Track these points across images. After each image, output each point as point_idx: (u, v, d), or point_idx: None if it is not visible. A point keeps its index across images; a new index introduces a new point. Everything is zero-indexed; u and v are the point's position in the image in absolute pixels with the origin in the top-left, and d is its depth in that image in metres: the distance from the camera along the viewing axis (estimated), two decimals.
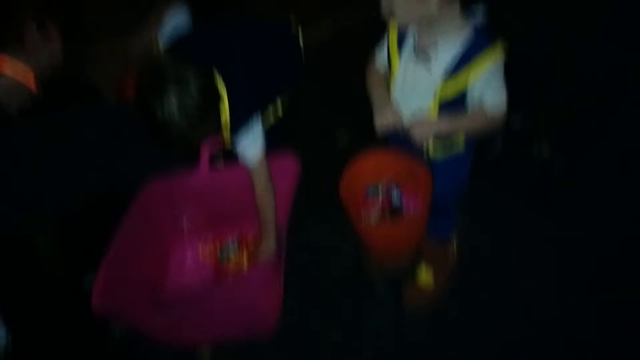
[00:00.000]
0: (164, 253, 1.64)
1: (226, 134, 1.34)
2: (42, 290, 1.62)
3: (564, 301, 1.59)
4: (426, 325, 1.57)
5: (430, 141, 1.25)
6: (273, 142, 1.44)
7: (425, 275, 1.60)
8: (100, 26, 2.59)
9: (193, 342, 1.49)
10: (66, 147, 1.41)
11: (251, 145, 1.38)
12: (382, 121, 1.24)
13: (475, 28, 1.14)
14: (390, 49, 1.26)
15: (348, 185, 1.35)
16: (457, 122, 1.21)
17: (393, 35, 1.25)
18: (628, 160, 1.88)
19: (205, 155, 1.51)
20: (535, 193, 1.90)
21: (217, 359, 1.53)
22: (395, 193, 1.45)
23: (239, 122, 1.32)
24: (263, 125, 1.39)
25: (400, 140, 1.29)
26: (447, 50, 1.15)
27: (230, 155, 1.58)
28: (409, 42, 1.22)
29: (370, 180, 1.44)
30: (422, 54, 1.19)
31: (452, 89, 1.17)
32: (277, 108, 1.49)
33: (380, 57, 1.32)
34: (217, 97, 1.28)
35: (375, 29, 1.31)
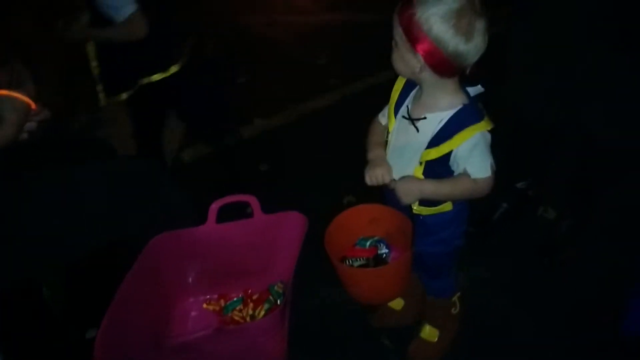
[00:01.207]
0: (168, 306, 1.64)
1: None
2: (45, 338, 1.62)
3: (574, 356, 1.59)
4: None
5: (414, 200, 1.29)
6: None
7: (428, 332, 1.59)
8: None
9: None
10: (75, 195, 1.44)
11: None
12: (371, 177, 1.29)
13: (465, 104, 1.21)
14: (389, 106, 1.33)
15: (338, 228, 1.40)
16: (441, 184, 1.25)
17: (395, 94, 1.32)
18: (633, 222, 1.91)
19: (213, 210, 1.54)
20: (539, 252, 1.93)
21: None
22: (383, 245, 1.48)
23: None
24: None
25: (393, 197, 1.33)
26: (435, 120, 1.22)
27: (237, 212, 1.62)
28: (405, 104, 1.30)
29: (363, 231, 1.48)
30: (413, 118, 1.26)
31: (434, 155, 1.22)
32: None
33: (382, 114, 1.40)
34: None
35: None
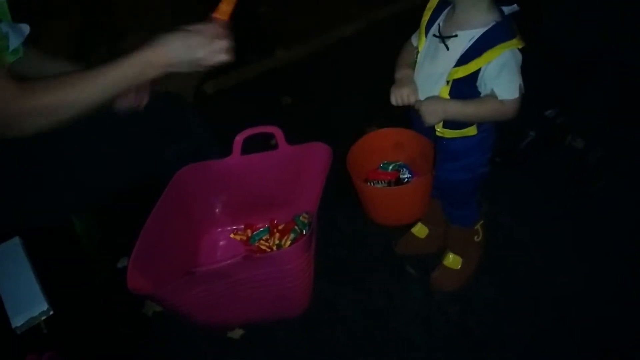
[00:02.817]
0: (196, 236, 1.68)
1: None
2: (80, 270, 1.69)
3: (592, 284, 1.60)
4: (456, 307, 1.59)
5: (438, 121, 1.27)
6: None
7: (452, 260, 1.61)
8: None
9: (225, 321, 1.52)
10: (103, 134, 1.45)
11: None
12: (396, 96, 1.28)
13: (497, 22, 1.17)
14: (420, 25, 1.31)
15: (362, 150, 1.44)
16: (466, 105, 1.24)
17: (426, 15, 1.29)
18: None
19: (238, 142, 1.54)
20: (568, 183, 1.91)
21: (247, 336, 1.57)
22: (406, 170, 1.51)
23: None
24: None
25: (418, 120, 1.31)
26: (467, 37, 1.19)
27: (262, 144, 1.62)
28: (437, 23, 1.27)
29: (388, 156, 1.51)
30: (444, 36, 1.23)
31: (462, 74, 1.20)
32: None
33: (414, 35, 1.37)
34: None
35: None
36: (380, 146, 1.48)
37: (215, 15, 1.18)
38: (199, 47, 1.13)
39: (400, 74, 1.34)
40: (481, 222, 1.61)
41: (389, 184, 1.48)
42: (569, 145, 2.07)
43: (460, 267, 1.61)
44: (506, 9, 1.21)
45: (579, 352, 1.46)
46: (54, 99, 1.06)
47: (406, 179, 1.50)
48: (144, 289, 1.26)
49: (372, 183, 1.48)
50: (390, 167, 1.53)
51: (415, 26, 1.36)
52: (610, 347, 1.45)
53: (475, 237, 1.61)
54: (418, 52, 1.31)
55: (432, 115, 1.24)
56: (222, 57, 1.17)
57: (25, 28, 1.25)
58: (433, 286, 1.63)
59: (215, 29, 1.16)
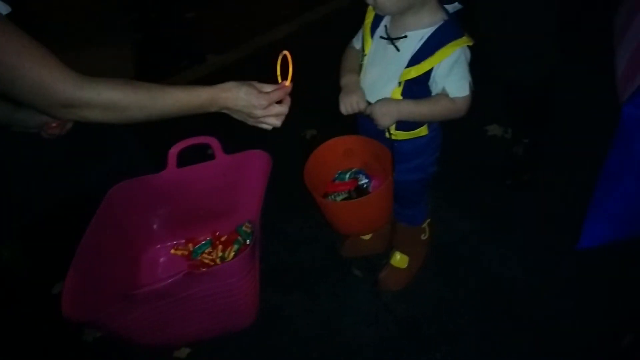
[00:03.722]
0: (135, 254, 1.61)
1: None
2: (11, 300, 1.59)
3: (535, 275, 1.65)
4: (402, 305, 1.60)
5: (392, 122, 1.26)
6: None
7: (399, 259, 1.62)
8: None
9: (170, 341, 1.47)
10: (29, 151, 1.38)
11: None
12: (345, 105, 1.27)
13: (445, 20, 1.19)
14: (364, 28, 1.29)
15: (315, 165, 1.37)
16: (419, 104, 1.24)
17: (369, 17, 1.28)
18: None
19: (173, 154, 1.49)
20: (502, 174, 1.96)
21: (194, 355, 1.52)
22: (362, 175, 1.48)
23: None
24: None
25: (367, 124, 1.30)
26: (416, 37, 1.19)
27: (199, 153, 1.58)
28: (382, 25, 1.26)
29: (340, 165, 1.47)
30: (393, 38, 1.22)
31: (415, 74, 1.20)
32: None
33: (356, 39, 1.35)
34: None
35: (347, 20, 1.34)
36: (331, 157, 1.45)
37: (285, 83, 1.22)
38: (259, 108, 1.19)
39: (346, 80, 1.32)
40: (428, 220, 1.63)
41: (349, 193, 1.45)
42: (495, 137, 2.14)
43: (407, 266, 1.62)
44: (450, 7, 1.22)
45: (527, 342, 1.49)
46: (121, 97, 1.08)
47: (365, 184, 1.48)
48: (79, 317, 1.19)
49: (332, 197, 1.44)
50: (347, 176, 1.49)
51: (346, 26, 1.35)
52: (557, 337, 1.49)
53: (422, 236, 1.63)
54: (364, 55, 1.30)
55: (385, 117, 1.23)
56: (273, 122, 1.23)
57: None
58: (380, 286, 1.63)
59: (280, 95, 1.21)
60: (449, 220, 1.82)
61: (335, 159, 1.45)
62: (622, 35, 2.10)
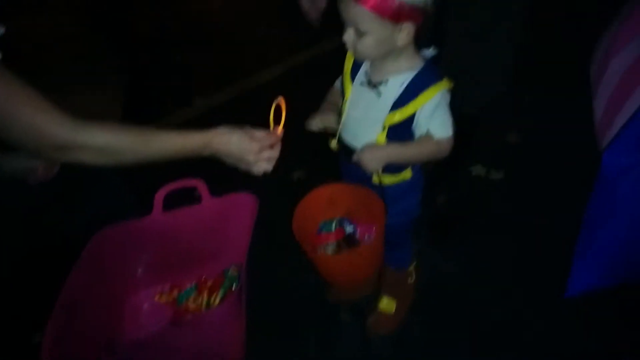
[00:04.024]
0: (118, 302, 1.57)
1: None
2: None
3: (521, 315, 1.64)
4: (390, 350, 1.58)
5: (380, 167, 1.27)
6: None
7: (386, 303, 1.60)
8: None
9: None
10: (12, 198, 1.36)
11: None
12: (310, 124, 1.30)
13: (424, 65, 1.21)
14: (344, 74, 1.31)
15: (301, 218, 1.35)
16: (406, 147, 1.25)
17: (349, 62, 1.30)
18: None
19: (159, 198, 1.48)
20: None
21: None
22: (346, 223, 1.47)
23: None
24: None
25: (351, 169, 1.31)
26: (397, 82, 1.21)
27: (185, 196, 1.56)
28: (362, 70, 1.28)
29: (323, 214, 1.46)
30: (374, 83, 1.24)
31: (399, 118, 1.22)
32: None
33: (339, 81, 1.37)
34: None
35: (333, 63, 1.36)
36: (315, 207, 1.43)
37: (277, 130, 1.25)
38: (251, 153, 1.22)
39: (321, 107, 1.35)
40: (414, 263, 1.62)
41: (339, 244, 1.43)
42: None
43: (395, 310, 1.60)
44: (426, 53, 1.25)
45: None
46: (114, 140, 1.09)
47: (352, 232, 1.46)
48: None
49: (322, 249, 1.42)
50: (333, 226, 1.47)
51: (332, 69, 1.37)
52: None
53: (409, 279, 1.62)
54: (345, 100, 1.31)
55: (373, 162, 1.24)
56: (264, 166, 1.25)
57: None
58: (368, 331, 1.61)
59: (272, 140, 1.24)
60: (435, 263, 1.81)
61: (319, 209, 1.44)
62: (598, 82, 2.15)
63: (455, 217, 2.00)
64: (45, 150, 1.03)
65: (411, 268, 1.63)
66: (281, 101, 1.23)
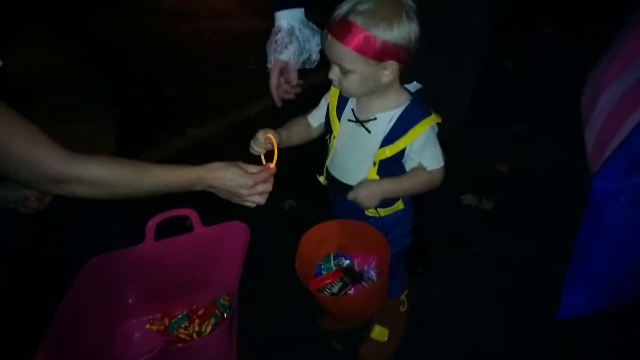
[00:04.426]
0: (109, 329, 1.55)
1: None
2: None
3: (513, 341, 1.65)
4: None
5: (377, 204, 1.28)
6: None
7: (379, 332, 1.60)
8: None
9: None
10: (2, 227, 1.36)
11: None
12: (252, 142, 1.30)
13: (411, 100, 1.24)
14: (330, 111, 1.33)
15: (301, 266, 1.34)
16: (400, 182, 1.26)
17: (334, 100, 1.32)
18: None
19: (151, 227, 1.48)
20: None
21: None
22: (342, 258, 1.47)
23: None
24: None
25: (341, 201, 1.32)
26: (386, 119, 1.23)
27: (177, 225, 1.57)
28: (349, 107, 1.30)
29: (317, 254, 1.46)
30: (362, 121, 1.26)
31: (389, 154, 1.24)
32: None
33: (315, 115, 1.39)
34: None
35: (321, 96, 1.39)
36: (309, 250, 1.41)
37: (270, 165, 1.28)
38: (245, 188, 1.24)
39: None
40: (406, 291, 1.62)
41: (342, 280, 1.41)
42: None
43: (388, 339, 1.60)
44: (410, 87, 1.28)
45: None
46: (108, 174, 1.10)
47: (350, 265, 1.46)
48: None
49: (327, 290, 1.40)
50: (333, 265, 1.46)
51: (319, 101, 1.40)
52: None
53: (401, 308, 1.62)
54: (333, 137, 1.32)
55: (370, 199, 1.25)
56: (257, 200, 1.28)
57: None
58: (362, 359, 1.60)
59: (265, 176, 1.26)
60: (426, 291, 1.82)
61: (312, 251, 1.43)
62: (589, 113, 2.21)
63: (446, 245, 2.01)
64: (41, 183, 1.05)
65: (403, 296, 1.63)
66: (272, 139, 1.27)
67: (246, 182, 1.23)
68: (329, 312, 1.44)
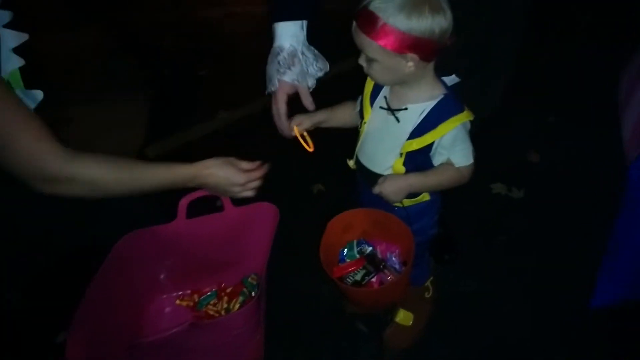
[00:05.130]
0: (140, 304, 1.60)
1: None
2: (13, 349, 1.58)
3: (540, 332, 1.64)
4: None
5: (403, 198, 1.28)
6: None
7: (403, 316, 1.61)
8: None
9: None
10: (39, 203, 1.40)
11: None
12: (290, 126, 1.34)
13: (444, 94, 1.22)
14: (364, 97, 1.33)
15: (325, 253, 1.36)
16: (427, 177, 1.26)
17: (369, 86, 1.32)
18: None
19: (183, 205, 1.51)
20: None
21: None
22: (365, 245, 1.47)
23: None
24: None
25: (368, 187, 1.32)
26: (417, 111, 1.22)
27: (207, 206, 1.60)
28: (382, 95, 1.30)
29: (341, 242, 1.47)
30: (393, 109, 1.26)
31: (417, 146, 1.23)
32: None
33: (357, 102, 1.39)
34: None
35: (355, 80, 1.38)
36: (333, 237, 1.42)
37: (261, 163, 1.34)
38: (237, 185, 1.28)
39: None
40: (431, 278, 1.63)
41: (366, 268, 1.41)
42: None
43: (412, 324, 1.61)
44: (447, 80, 1.26)
45: None
46: (103, 174, 1.13)
47: (371, 252, 1.46)
48: None
49: (350, 277, 1.40)
50: (356, 253, 1.46)
51: (351, 87, 1.40)
52: None
53: (426, 294, 1.63)
54: (364, 122, 1.33)
55: (396, 194, 1.25)
56: (248, 194, 1.33)
57: (39, 94, 1.25)
58: (386, 344, 1.61)
59: (258, 175, 1.31)
60: (455, 279, 1.82)
61: (336, 238, 1.44)
62: (627, 103, 2.17)
63: (474, 234, 2.00)
64: (35, 180, 1.06)
65: (428, 283, 1.64)
66: (295, 130, 1.32)
67: (239, 180, 1.27)
68: (351, 300, 1.45)
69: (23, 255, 1.35)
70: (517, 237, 1.99)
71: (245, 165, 1.30)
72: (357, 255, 1.46)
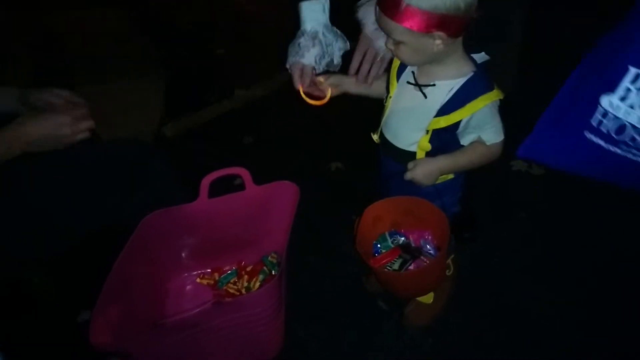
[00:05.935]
0: (162, 283, 1.63)
1: None
2: (39, 329, 1.61)
3: (561, 309, 1.62)
4: (428, 340, 1.58)
5: (434, 181, 1.27)
6: None
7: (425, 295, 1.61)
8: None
9: None
10: (66, 183, 1.41)
11: None
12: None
13: (474, 72, 1.20)
14: (391, 71, 1.31)
15: (362, 247, 1.37)
16: (457, 157, 1.25)
17: (397, 61, 1.30)
18: None
19: (205, 185, 1.52)
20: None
21: None
22: (397, 236, 1.48)
23: None
24: None
25: (389, 163, 1.31)
26: (445, 88, 1.20)
27: (225, 185, 1.60)
28: (410, 69, 1.28)
29: (373, 234, 1.46)
30: (420, 84, 1.24)
31: (444, 124, 1.21)
32: None
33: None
34: None
35: None
36: (365, 231, 1.42)
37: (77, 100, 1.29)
38: (65, 125, 1.19)
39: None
40: (452, 256, 1.62)
41: (402, 257, 1.42)
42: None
43: (433, 301, 1.61)
44: (477, 57, 1.24)
45: None
46: None
47: (403, 241, 1.47)
48: (108, 345, 1.20)
49: (387, 269, 1.40)
50: (390, 243, 1.47)
51: None
52: None
53: (447, 271, 1.62)
54: (389, 97, 1.31)
55: (427, 178, 1.25)
56: (82, 136, 1.25)
57: None
58: (406, 321, 1.62)
59: (83, 111, 1.24)
60: (476, 256, 1.81)
61: (368, 230, 1.43)
62: None
63: (494, 212, 1.98)
64: None
65: (448, 260, 1.63)
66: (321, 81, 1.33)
67: (64, 120, 1.19)
68: (392, 289, 1.46)
69: (46, 235, 1.37)
70: (538, 214, 1.97)
71: (59, 104, 1.23)
72: (392, 245, 1.46)
